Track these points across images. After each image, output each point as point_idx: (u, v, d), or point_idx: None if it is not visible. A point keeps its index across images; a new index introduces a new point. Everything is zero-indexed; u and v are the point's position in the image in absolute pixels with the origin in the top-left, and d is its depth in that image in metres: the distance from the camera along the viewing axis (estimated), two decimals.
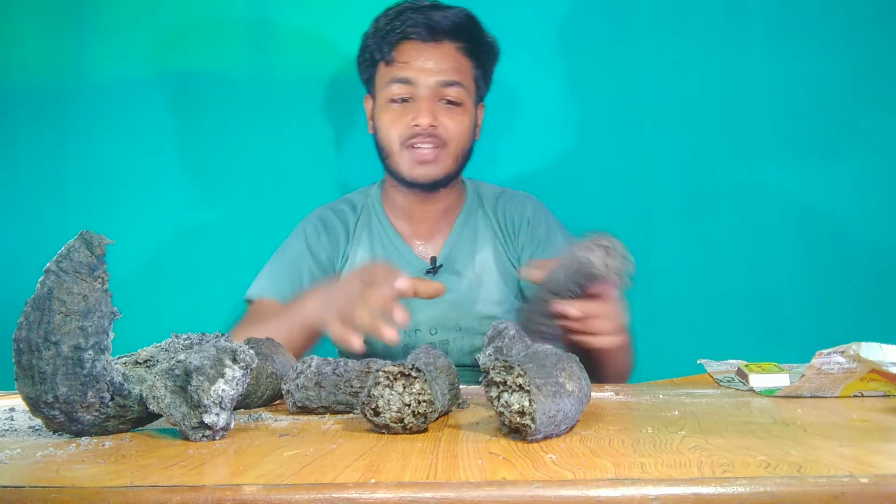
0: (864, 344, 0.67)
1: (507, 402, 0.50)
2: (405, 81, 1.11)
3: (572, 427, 0.55)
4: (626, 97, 1.37)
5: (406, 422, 0.53)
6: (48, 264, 0.53)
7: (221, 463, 0.44)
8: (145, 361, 0.58)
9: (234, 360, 0.53)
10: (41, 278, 0.52)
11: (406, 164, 1.12)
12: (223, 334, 0.61)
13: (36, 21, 1.37)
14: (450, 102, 1.12)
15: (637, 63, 1.37)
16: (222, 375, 0.52)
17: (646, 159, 1.37)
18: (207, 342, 0.57)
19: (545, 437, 0.50)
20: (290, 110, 1.37)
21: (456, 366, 1.08)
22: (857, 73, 1.35)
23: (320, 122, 1.39)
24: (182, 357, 0.54)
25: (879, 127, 1.35)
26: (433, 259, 1.17)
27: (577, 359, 0.59)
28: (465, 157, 1.16)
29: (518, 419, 0.49)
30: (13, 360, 0.52)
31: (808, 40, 1.36)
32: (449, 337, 1.14)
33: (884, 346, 0.67)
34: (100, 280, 0.54)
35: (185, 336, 0.60)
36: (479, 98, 1.19)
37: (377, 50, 1.14)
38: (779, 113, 1.36)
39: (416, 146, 1.11)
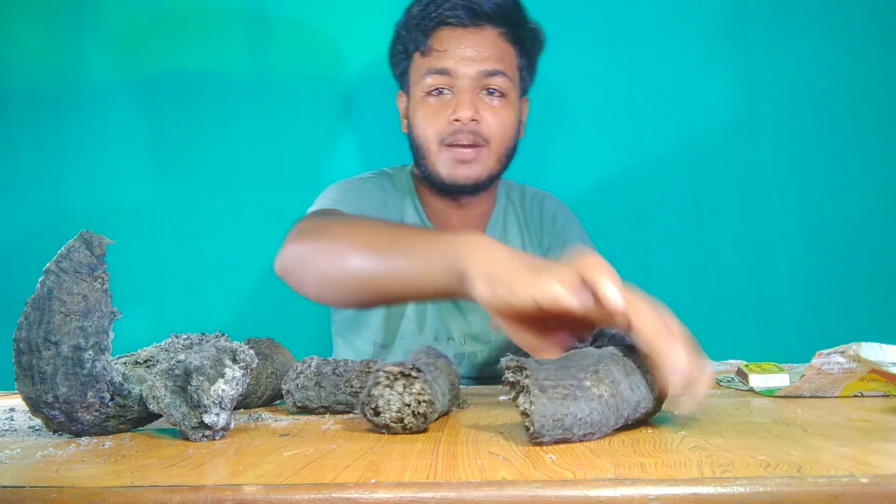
0: (864, 344, 0.67)
1: (518, 403, 0.49)
2: (443, 72, 1.01)
3: (608, 434, 0.51)
4: (622, 96, 1.37)
5: (406, 422, 0.53)
6: (48, 264, 0.53)
7: (221, 463, 0.44)
8: (145, 361, 0.58)
9: (234, 360, 0.53)
10: (41, 278, 0.52)
11: (445, 164, 1.03)
12: (223, 334, 0.61)
13: (36, 21, 1.37)
14: (491, 94, 1.02)
15: (634, 62, 1.37)
16: (222, 375, 0.52)
17: (644, 159, 1.37)
18: (207, 342, 0.57)
19: (555, 441, 0.48)
20: (291, 110, 1.37)
21: (478, 377, 1.08)
22: (857, 73, 1.35)
23: (322, 122, 1.39)
24: (182, 357, 0.54)
25: (879, 127, 1.35)
26: None
27: (631, 362, 0.53)
28: (509, 156, 1.06)
29: (525, 420, 0.49)
30: (13, 360, 0.52)
31: (808, 40, 1.36)
32: (477, 349, 1.09)
33: (884, 346, 0.67)
34: (100, 280, 0.54)
35: (185, 336, 0.60)
36: (524, 91, 1.10)
37: (411, 40, 1.05)
38: (778, 113, 1.36)
39: (455, 144, 1.02)
